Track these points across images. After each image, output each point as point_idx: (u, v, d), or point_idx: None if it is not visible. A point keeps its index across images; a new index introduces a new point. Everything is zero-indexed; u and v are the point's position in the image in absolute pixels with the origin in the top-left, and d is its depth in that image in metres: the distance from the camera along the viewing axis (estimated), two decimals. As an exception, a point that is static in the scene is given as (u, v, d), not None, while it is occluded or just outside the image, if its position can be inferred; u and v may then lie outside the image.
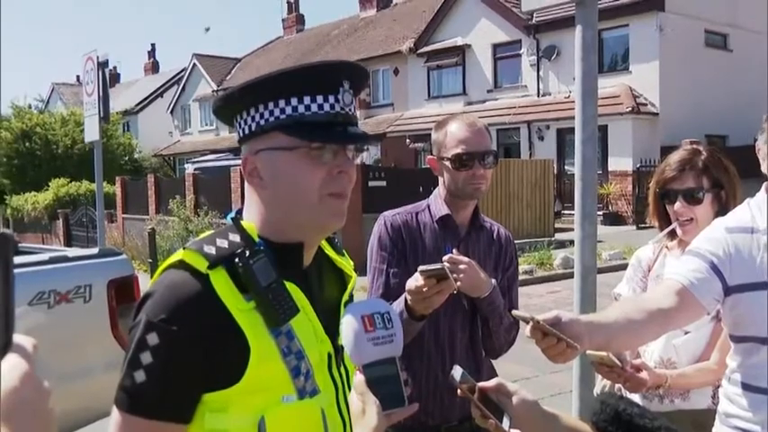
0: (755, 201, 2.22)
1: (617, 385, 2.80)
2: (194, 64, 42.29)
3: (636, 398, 2.65)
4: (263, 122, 1.45)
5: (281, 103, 1.43)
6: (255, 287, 1.38)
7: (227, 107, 1.52)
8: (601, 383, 2.95)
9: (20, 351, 0.81)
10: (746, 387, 2.14)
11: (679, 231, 2.74)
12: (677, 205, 2.71)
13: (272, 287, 1.39)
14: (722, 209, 2.66)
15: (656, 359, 2.73)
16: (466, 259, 2.34)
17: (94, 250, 5.36)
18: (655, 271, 2.85)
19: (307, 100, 1.44)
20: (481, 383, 1.51)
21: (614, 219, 22.40)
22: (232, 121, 1.53)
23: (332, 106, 1.45)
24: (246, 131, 1.48)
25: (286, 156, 1.44)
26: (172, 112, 43.56)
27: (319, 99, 1.44)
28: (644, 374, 2.56)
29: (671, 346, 2.70)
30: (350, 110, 1.49)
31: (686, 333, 2.68)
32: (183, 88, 42.87)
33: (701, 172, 2.69)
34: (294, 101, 1.43)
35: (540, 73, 26.32)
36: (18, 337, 0.81)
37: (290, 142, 1.43)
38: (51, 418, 0.81)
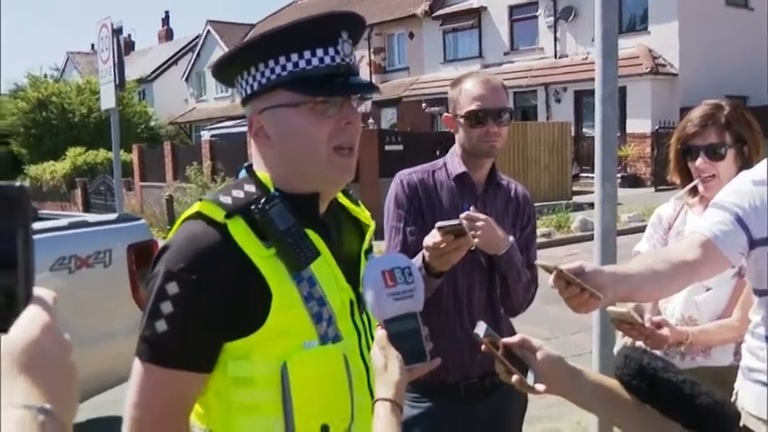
0: None
1: (638, 343, 2.79)
2: (208, 30, 42.10)
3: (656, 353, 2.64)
4: (264, 81, 1.44)
5: (282, 59, 1.42)
6: (274, 232, 1.38)
7: (227, 69, 1.51)
8: (620, 342, 2.94)
9: (40, 303, 0.80)
10: None
11: (701, 188, 2.70)
12: (699, 161, 2.66)
13: (290, 231, 1.39)
14: (745, 165, 2.60)
15: (678, 316, 2.70)
16: (483, 216, 2.33)
17: (113, 215, 5.39)
18: (676, 228, 2.82)
19: (307, 54, 1.43)
20: (505, 339, 1.51)
21: (633, 181, 22.26)
22: (233, 82, 1.52)
23: (332, 58, 1.44)
24: (249, 91, 1.47)
25: (291, 112, 1.44)
26: (187, 79, 43.48)
27: (319, 52, 1.43)
28: (665, 331, 2.54)
29: (692, 303, 2.68)
30: (350, 60, 1.48)
31: (708, 290, 2.66)
32: (198, 55, 42.71)
33: (723, 127, 2.64)
34: (294, 56, 1.42)
35: (557, 34, 26.03)
36: (38, 290, 0.81)
37: (294, 98, 1.43)
38: (73, 371, 0.81)
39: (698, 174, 2.69)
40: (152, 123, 39.05)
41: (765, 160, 2.22)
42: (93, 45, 36.87)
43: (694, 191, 2.76)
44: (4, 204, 0.77)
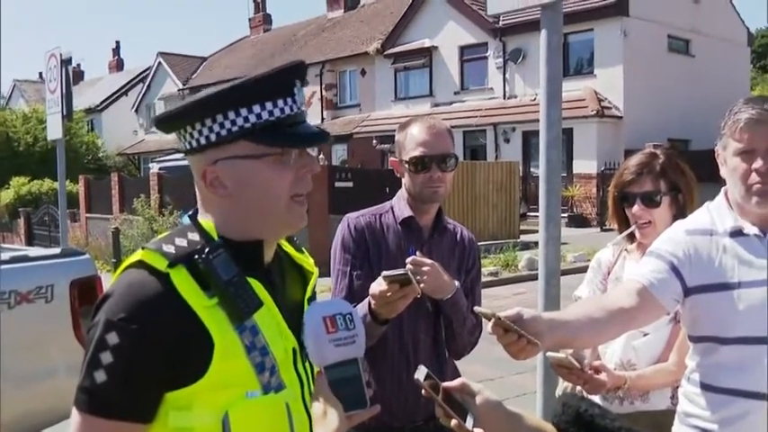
0: (714, 204, 2.26)
1: (577, 388, 2.83)
2: (159, 62, 41.88)
3: (596, 400, 2.68)
4: (224, 132, 1.43)
5: (243, 111, 1.43)
6: (217, 282, 1.38)
7: (180, 118, 1.48)
8: (562, 385, 2.98)
9: None
10: (705, 387, 2.17)
11: (638, 234, 2.78)
12: (635, 208, 2.74)
13: (233, 281, 1.39)
14: (680, 212, 2.71)
15: (617, 361, 2.75)
16: (429, 261, 2.35)
17: (56, 250, 5.28)
18: (614, 273, 2.89)
19: (269, 105, 1.44)
20: (445, 383, 1.52)
21: (579, 221, 22.62)
22: (175, 131, 1.50)
23: (291, 108, 1.46)
24: (203, 142, 1.45)
25: (253, 164, 1.44)
26: (137, 110, 43.08)
27: (279, 103, 1.45)
28: (603, 376, 2.57)
29: (630, 348, 2.73)
30: (302, 107, 1.51)
31: (645, 335, 2.72)
32: (149, 86, 42.42)
33: (658, 175, 2.73)
34: (257, 108, 1.43)
35: (507, 75, 26.47)
36: None
37: (257, 150, 1.44)
38: None
39: (634, 220, 2.76)
40: (100, 154, 38.52)
41: (699, 210, 2.30)
42: (41, 73, 36.37)
43: (632, 236, 2.83)
44: None
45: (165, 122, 1.51)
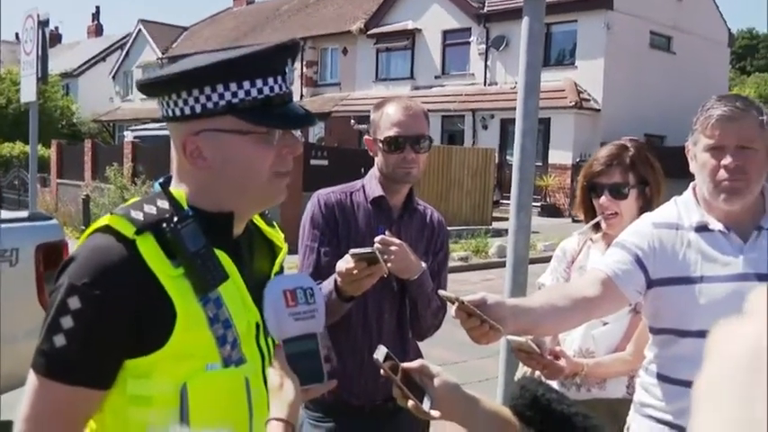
0: (682, 199, 2.28)
1: (536, 373, 2.86)
2: (140, 29, 41.36)
3: (554, 385, 2.71)
4: (210, 105, 1.42)
5: (233, 86, 1.41)
6: (183, 252, 1.37)
7: (168, 84, 1.46)
8: (522, 369, 3.01)
9: None
10: (662, 378, 2.21)
11: (603, 225, 2.81)
12: (603, 199, 2.77)
13: (200, 252, 1.38)
14: (646, 204, 2.75)
15: (576, 348, 2.79)
16: (397, 241, 2.35)
17: (24, 213, 5.22)
18: (578, 262, 2.92)
19: (259, 83, 1.43)
20: (404, 364, 1.53)
21: (552, 211, 22.77)
22: (160, 97, 1.48)
23: (280, 87, 1.46)
24: (187, 112, 1.43)
25: (237, 139, 1.44)
26: (114, 77, 42.56)
27: (270, 81, 1.44)
28: (562, 362, 2.61)
29: (590, 337, 2.77)
30: (291, 87, 1.51)
31: (605, 324, 2.76)
32: (127, 54, 41.90)
33: (627, 168, 2.76)
34: (247, 84, 1.42)
35: (488, 62, 26.48)
36: None
37: (243, 126, 1.43)
38: None
39: (601, 211, 2.79)
40: (74, 119, 38.06)
41: (666, 204, 2.32)
42: (17, 34, 35.81)
43: (597, 227, 2.86)
44: None
45: (152, 87, 1.49)
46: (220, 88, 1.41)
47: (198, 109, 1.42)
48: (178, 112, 1.44)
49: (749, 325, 0.51)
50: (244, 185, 1.46)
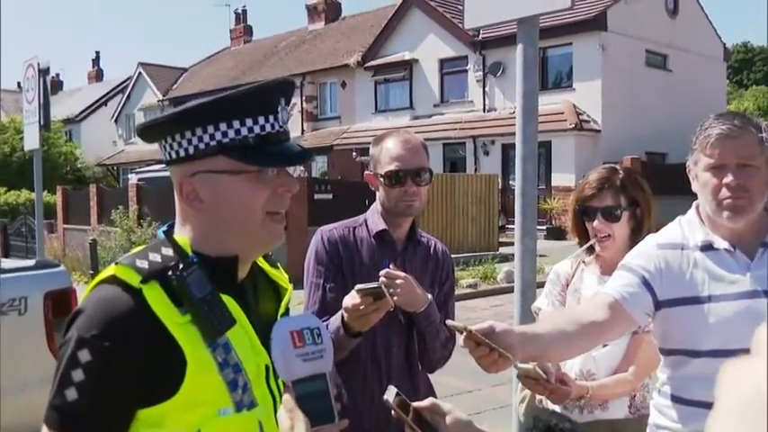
0: (686, 218, 2.28)
1: (537, 397, 2.85)
2: (140, 72, 41.70)
3: (556, 409, 2.73)
4: (202, 146, 1.43)
5: (223, 126, 1.42)
6: (190, 299, 1.37)
7: (162, 128, 1.48)
8: (521, 394, 3.00)
9: None
10: (676, 399, 2.19)
11: (597, 247, 2.84)
12: (596, 222, 2.80)
13: (206, 299, 1.38)
14: (638, 226, 2.80)
15: (577, 371, 2.80)
16: (402, 274, 2.36)
17: (31, 262, 5.24)
18: (573, 285, 2.93)
19: (249, 122, 1.43)
20: (416, 403, 1.52)
21: (557, 233, 22.68)
22: (158, 141, 1.50)
23: (272, 126, 1.46)
24: (182, 154, 1.45)
25: (230, 179, 1.44)
26: (116, 120, 42.84)
27: (260, 120, 1.44)
28: (568, 387, 2.59)
29: (591, 359, 2.78)
30: (286, 126, 1.51)
31: (605, 346, 2.76)
32: (128, 97, 42.22)
33: (619, 190, 2.80)
34: (236, 123, 1.43)
35: (486, 89, 26.60)
36: None
37: (235, 166, 1.43)
38: None
39: (594, 234, 2.82)
40: (79, 164, 38.27)
41: (671, 224, 2.32)
42: (19, 83, 36.12)
43: (591, 249, 2.88)
44: None
45: (148, 131, 1.51)
46: (210, 129, 1.42)
47: (191, 150, 1.44)
48: (174, 155, 1.46)
49: (757, 363, 0.51)
50: (238, 225, 1.46)
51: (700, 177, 2.18)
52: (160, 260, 1.41)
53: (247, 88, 1.46)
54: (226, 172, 1.43)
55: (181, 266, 1.39)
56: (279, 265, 1.71)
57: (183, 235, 1.49)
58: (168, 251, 1.43)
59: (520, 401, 3.02)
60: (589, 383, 2.72)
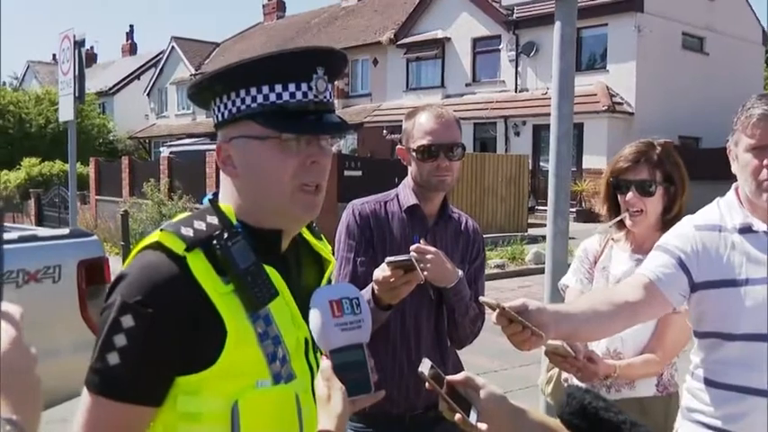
0: (725, 200, 2.25)
1: (563, 376, 2.83)
2: (173, 47, 41.88)
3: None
4: (234, 110, 1.43)
5: (253, 91, 1.42)
6: (234, 269, 1.37)
7: (201, 92, 1.50)
8: (546, 375, 2.99)
9: (7, 318, 0.81)
10: (709, 383, 2.17)
11: (628, 222, 2.77)
12: (629, 195, 2.74)
13: (250, 270, 1.38)
14: (670, 204, 2.73)
15: (603, 350, 2.76)
16: (433, 249, 2.35)
17: (65, 230, 5.31)
18: (601, 262, 2.88)
19: (278, 88, 1.42)
20: (449, 377, 1.52)
21: (587, 216, 22.52)
22: (208, 105, 1.51)
23: (305, 94, 1.43)
24: (220, 118, 1.46)
25: (258, 145, 1.43)
26: (149, 94, 43.15)
27: (291, 87, 1.42)
28: (595, 365, 2.56)
29: (617, 338, 2.72)
30: (324, 97, 1.46)
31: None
32: (161, 71, 42.46)
33: (655, 165, 2.73)
34: (266, 89, 1.42)
35: (519, 69, 26.39)
36: (5, 305, 0.82)
37: (261, 132, 1.42)
38: (38, 384, 0.82)
39: (626, 208, 2.76)
40: (111, 137, 38.63)
41: (709, 205, 2.29)
42: (54, 55, 36.47)
43: (621, 225, 2.83)
44: None
45: (193, 93, 1.52)
46: (242, 93, 1.42)
47: (227, 114, 1.45)
48: (216, 119, 1.48)
49: None
50: (266, 195, 1.45)
51: (740, 158, 2.14)
52: (205, 228, 1.41)
53: (278, 52, 1.44)
54: (254, 138, 1.43)
55: (226, 236, 1.39)
56: (323, 236, 1.70)
57: (227, 203, 1.49)
58: (213, 219, 1.43)
59: (546, 382, 3.01)
60: (616, 362, 2.69)
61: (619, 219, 2.80)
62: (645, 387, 2.76)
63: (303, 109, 1.43)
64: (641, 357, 2.72)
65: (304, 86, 1.43)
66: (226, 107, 1.44)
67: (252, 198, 1.47)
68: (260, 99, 1.42)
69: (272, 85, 1.42)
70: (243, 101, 1.42)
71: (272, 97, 1.42)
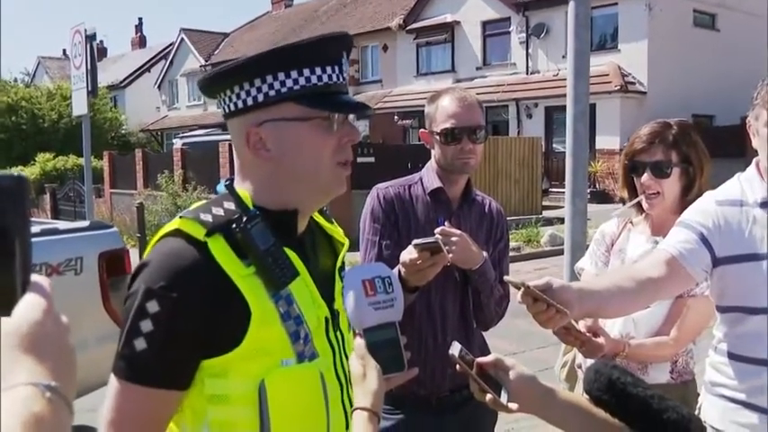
0: (745, 175, 2.25)
1: (577, 361, 2.82)
2: (182, 38, 41.94)
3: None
4: (272, 93, 1.44)
5: (293, 73, 1.44)
6: (254, 251, 1.39)
7: (226, 80, 1.49)
8: (562, 359, 2.97)
9: (38, 289, 0.84)
10: (733, 356, 2.18)
11: (645, 204, 2.73)
12: (645, 177, 2.68)
13: (270, 251, 1.40)
14: (689, 185, 2.67)
15: (616, 334, 2.70)
16: (458, 231, 2.37)
17: (85, 223, 5.35)
18: (618, 246, 2.85)
19: (318, 71, 1.45)
20: (479, 359, 1.54)
21: (601, 197, 22.47)
22: (219, 94, 1.51)
23: (337, 76, 1.48)
24: (250, 103, 1.46)
25: (299, 126, 1.46)
26: (159, 86, 43.25)
27: (328, 69, 1.47)
28: (600, 340, 2.51)
29: (630, 321, 2.70)
30: (345, 78, 1.53)
31: (646, 308, 2.70)
32: (171, 63, 42.54)
33: (670, 146, 2.67)
34: (306, 71, 1.44)
35: (529, 51, 26.27)
36: (36, 277, 0.84)
37: (304, 112, 1.45)
38: (72, 351, 0.85)
39: (642, 190, 2.70)
40: (123, 130, 38.77)
41: (729, 180, 2.29)
42: (64, 50, 36.63)
43: (639, 207, 2.79)
44: (1, 194, 0.79)
45: (212, 82, 1.52)
46: (281, 76, 1.44)
47: (260, 98, 1.45)
48: (240, 104, 1.47)
49: None
50: (307, 174, 1.48)
51: (760, 132, 2.14)
52: (223, 214, 1.43)
53: (315, 37, 1.48)
54: (295, 119, 1.45)
55: (244, 219, 1.41)
56: (333, 220, 1.73)
57: (243, 189, 1.51)
58: (230, 205, 1.45)
59: (561, 366, 3.02)
60: (627, 341, 2.64)
61: (636, 201, 2.75)
62: (658, 373, 2.69)
63: (337, 90, 1.49)
64: (653, 339, 2.67)
65: (336, 69, 1.48)
66: (259, 91, 1.45)
67: (285, 179, 1.48)
68: (302, 81, 1.44)
69: (312, 68, 1.45)
70: (282, 84, 1.44)
71: (314, 79, 1.45)
